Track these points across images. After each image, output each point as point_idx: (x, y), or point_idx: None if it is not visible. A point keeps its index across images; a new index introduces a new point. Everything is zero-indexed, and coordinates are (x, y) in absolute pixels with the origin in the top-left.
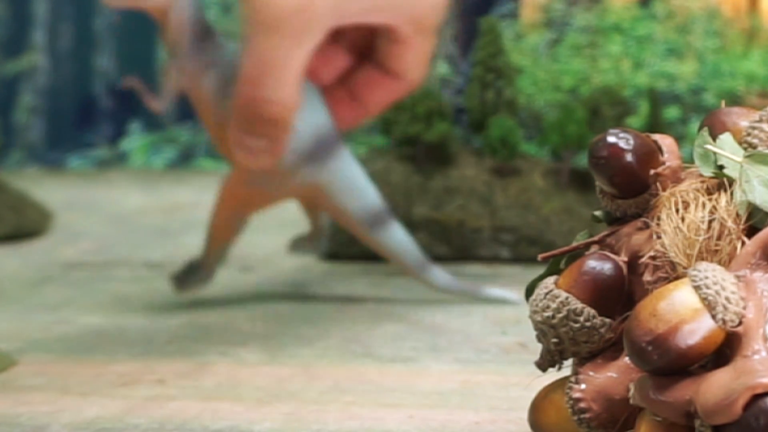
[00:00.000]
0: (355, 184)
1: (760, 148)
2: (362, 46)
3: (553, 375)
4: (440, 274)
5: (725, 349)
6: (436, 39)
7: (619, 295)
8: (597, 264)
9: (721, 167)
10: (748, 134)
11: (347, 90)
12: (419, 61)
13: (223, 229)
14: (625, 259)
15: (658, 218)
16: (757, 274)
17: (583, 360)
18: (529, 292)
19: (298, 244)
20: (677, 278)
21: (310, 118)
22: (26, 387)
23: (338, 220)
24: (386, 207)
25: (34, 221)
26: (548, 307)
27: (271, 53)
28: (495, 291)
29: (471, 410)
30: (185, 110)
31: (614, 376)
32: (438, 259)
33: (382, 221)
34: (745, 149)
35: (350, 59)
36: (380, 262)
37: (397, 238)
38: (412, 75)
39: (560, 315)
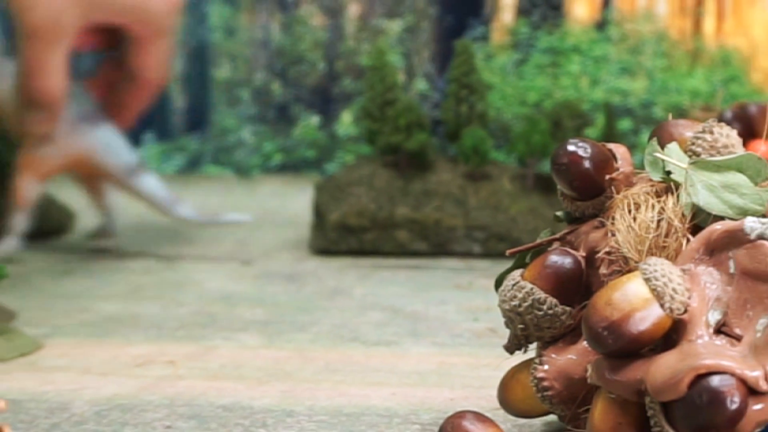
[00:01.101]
0: (112, 146)
1: (703, 156)
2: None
3: (519, 357)
4: (185, 209)
5: (672, 334)
6: (171, 41)
7: (578, 286)
8: (558, 258)
9: (668, 173)
10: (693, 143)
11: (115, 102)
12: (158, 61)
13: (23, 196)
14: (584, 254)
15: (613, 218)
16: (701, 268)
17: (546, 344)
18: (498, 283)
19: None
20: (630, 271)
21: (77, 104)
22: (51, 367)
23: (105, 176)
24: (140, 162)
25: (59, 220)
26: (515, 296)
27: (35, 56)
28: (229, 216)
29: (447, 388)
30: (193, 122)
31: (574, 358)
32: (417, 254)
33: (136, 173)
34: (689, 157)
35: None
36: (366, 257)
37: (150, 184)
38: (153, 75)
39: (526, 304)
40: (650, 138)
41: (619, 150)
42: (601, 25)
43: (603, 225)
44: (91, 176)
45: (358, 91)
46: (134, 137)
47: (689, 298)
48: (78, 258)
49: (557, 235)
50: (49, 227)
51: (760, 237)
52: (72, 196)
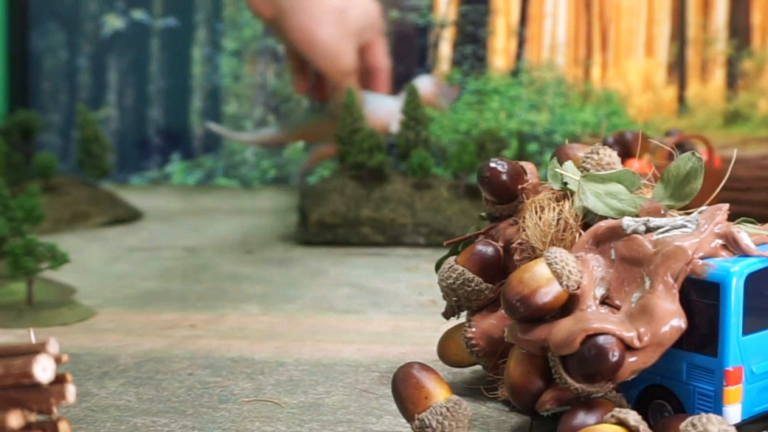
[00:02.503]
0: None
1: (591, 171)
2: None
3: (453, 322)
4: None
5: (568, 305)
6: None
7: (498, 268)
8: (483, 248)
9: (565, 184)
10: (584, 161)
11: (372, 80)
12: (384, 53)
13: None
14: (502, 244)
15: (524, 217)
16: (589, 255)
17: (473, 312)
18: (438, 266)
19: None
20: (536, 257)
21: None
22: (102, 330)
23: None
24: None
25: (129, 214)
26: (450, 276)
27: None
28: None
29: (399, 345)
30: (209, 146)
31: (494, 322)
32: (377, 244)
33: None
34: (581, 171)
35: None
36: (338, 247)
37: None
38: (384, 62)
39: (458, 282)
40: (552, 157)
41: (528, 166)
42: (515, 72)
43: (516, 223)
44: None
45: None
46: (164, 156)
47: (581, 277)
48: (122, 248)
49: (482, 230)
50: (120, 217)
51: (634, 232)
52: (135, 200)
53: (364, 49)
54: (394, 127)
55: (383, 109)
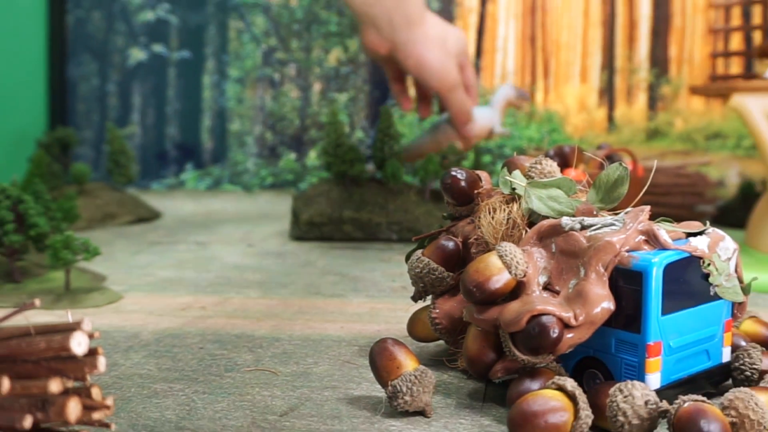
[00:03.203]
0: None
1: (535, 178)
2: None
3: (420, 304)
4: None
5: (516, 290)
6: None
7: (458, 259)
8: (445, 242)
9: (514, 189)
10: (529, 170)
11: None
12: (473, 74)
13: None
14: (461, 240)
15: (479, 217)
16: (534, 249)
17: (437, 296)
18: (407, 258)
19: None
20: (489, 251)
21: None
22: (128, 311)
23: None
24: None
25: (149, 214)
26: (418, 266)
27: (456, 98)
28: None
29: (375, 324)
30: (216, 157)
31: (455, 305)
32: (357, 240)
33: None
34: (527, 179)
35: None
36: (325, 242)
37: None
38: (473, 80)
39: (425, 271)
40: (502, 167)
41: (483, 175)
42: None
43: (473, 222)
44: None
45: (319, 138)
46: (179, 166)
47: (527, 267)
48: (144, 243)
49: (444, 228)
50: (143, 217)
51: (571, 229)
52: (155, 203)
53: (458, 69)
54: (498, 129)
55: (487, 118)
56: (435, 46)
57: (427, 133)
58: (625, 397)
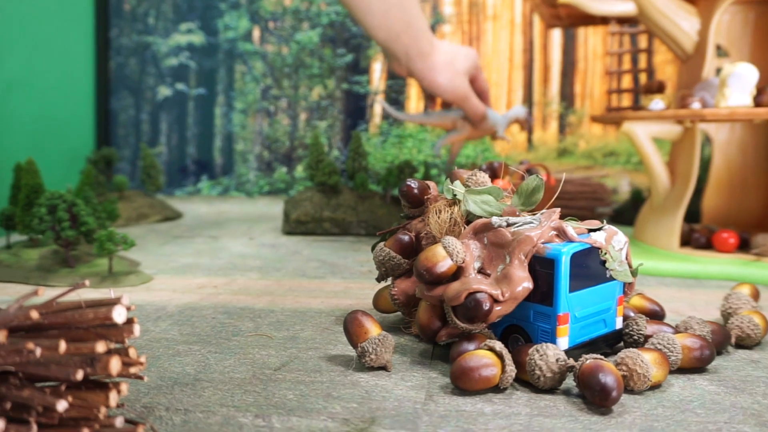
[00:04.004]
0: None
1: (471, 187)
2: None
3: (383, 284)
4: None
5: (457, 273)
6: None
7: (412, 249)
8: (402, 236)
9: (455, 195)
10: (467, 181)
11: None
12: (485, 83)
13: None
14: (414, 234)
15: (428, 217)
16: (471, 241)
17: (395, 277)
18: (373, 248)
19: None
20: (436, 243)
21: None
22: (157, 289)
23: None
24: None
25: (173, 215)
26: (381, 254)
27: (471, 103)
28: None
29: (348, 299)
30: (225, 170)
31: (409, 284)
32: (333, 234)
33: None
34: (466, 187)
35: None
36: (309, 236)
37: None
38: (485, 88)
39: (386, 258)
40: (446, 178)
41: (431, 184)
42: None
43: (423, 220)
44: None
45: (305, 156)
46: (197, 177)
47: (465, 256)
48: (170, 236)
49: (401, 225)
50: (169, 216)
51: (499, 226)
52: (178, 206)
53: (472, 80)
54: (500, 133)
55: (496, 122)
56: (444, 69)
57: (440, 112)
58: (541, 355)
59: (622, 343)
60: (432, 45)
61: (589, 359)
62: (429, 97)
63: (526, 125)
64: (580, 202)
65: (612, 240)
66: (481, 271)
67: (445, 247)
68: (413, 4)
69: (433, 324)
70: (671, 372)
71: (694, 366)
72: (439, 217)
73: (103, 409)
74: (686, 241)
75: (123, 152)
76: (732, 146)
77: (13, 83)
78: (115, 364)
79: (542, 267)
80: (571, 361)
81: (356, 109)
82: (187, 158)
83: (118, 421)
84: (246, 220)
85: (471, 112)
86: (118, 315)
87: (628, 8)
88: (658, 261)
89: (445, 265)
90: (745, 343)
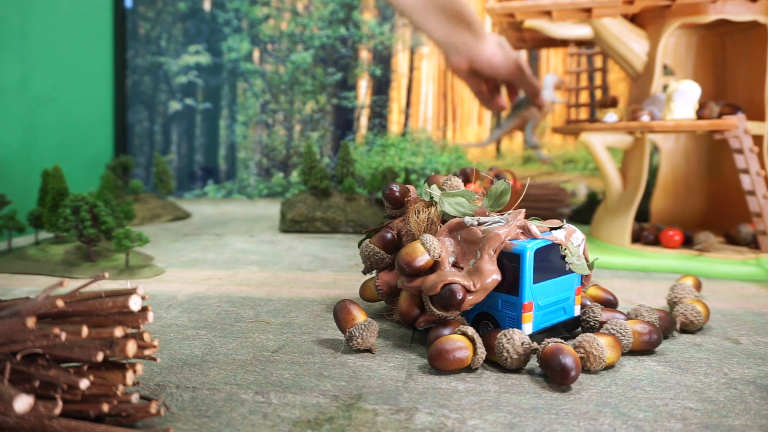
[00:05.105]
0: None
1: (447, 190)
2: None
3: (369, 276)
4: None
5: (434, 267)
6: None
7: (394, 245)
8: (385, 233)
9: (432, 198)
10: (443, 185)
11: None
12: (533, 79)
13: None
14: (396, 232)
15: (408, 217)
16: (446, 238)
17: (379, 270)
18: (359, 244)
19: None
20: (415, 239)
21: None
22: (168, 280)
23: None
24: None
25: (182, 215)
26: (366, 250)
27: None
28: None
29: (337, 289)
30: (229, 176)
31: (392, 276)
32: (324, 232)
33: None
34: (442, 190)
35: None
36: (303, 234)
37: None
38: (534, 83)
39: (371, 253)
40: (425, 182)
41: (411, 187)
42: (403, 134)
43: (404, 220)
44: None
45: (299, 163)
46: (203, 182)
47: (441, 251)
48: (180, 234)
49: (384, 224)
50: (179, 216)
51: (471, 225)
52: (187, 207)
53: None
54: (549, 99)
55: (545, 93)
56: (497, 50)
57: (510, 116)
58: (508, 339)
59: (579, 329)
60: (483, 30)
61: (551, 342)
62: (495, 115)
63: (561, 85)
64: (543, 204)
65: (571, 237)
66: (455, 264)
67: (423, 244)
68: None
69: (412, 311)
70: (623, 354)
71: (644, 349)
72: (418, 217)
73: (120, 387)
74: (636, 238)
75: (138, 159)
76: (677, 154)
77: (40, 98)
78: (131, 347)
79: (509, 261)
80: (535, 345)
81: (345, 121)
82: (195, 165)
83: (134, 398)
84: (247, 220)
85: (527, 85)
86: (134, 303)
87: (586, 32)
88: (611, 256)
89: (423, 259)
90: (688, 329)
